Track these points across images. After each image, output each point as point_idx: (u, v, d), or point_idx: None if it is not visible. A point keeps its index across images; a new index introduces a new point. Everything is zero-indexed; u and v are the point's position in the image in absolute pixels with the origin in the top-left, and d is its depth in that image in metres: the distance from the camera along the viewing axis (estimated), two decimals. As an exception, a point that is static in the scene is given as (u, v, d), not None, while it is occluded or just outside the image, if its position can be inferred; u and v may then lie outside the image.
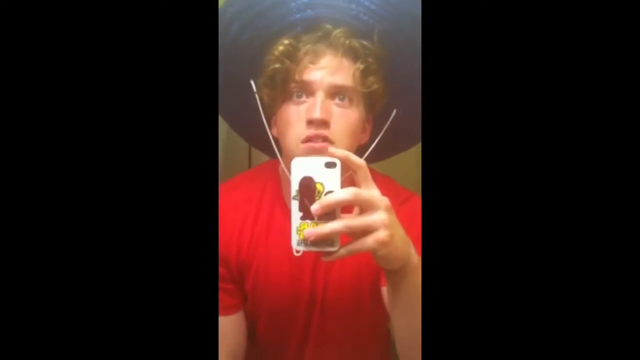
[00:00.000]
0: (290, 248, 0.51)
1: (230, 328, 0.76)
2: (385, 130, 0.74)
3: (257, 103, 0.72)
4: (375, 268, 0.72)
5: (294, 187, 0.49)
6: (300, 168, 0.49)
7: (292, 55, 0.66)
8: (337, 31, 0.66)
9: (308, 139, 0.64)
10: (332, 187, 0.49)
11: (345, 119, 0.66)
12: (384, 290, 0.65)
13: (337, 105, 0.66)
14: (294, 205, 0.49)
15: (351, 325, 0.78)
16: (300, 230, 0.49)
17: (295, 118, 0.66)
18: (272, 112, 0.72)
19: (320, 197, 0.48)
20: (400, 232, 0.51)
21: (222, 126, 1.33)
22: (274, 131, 0.73)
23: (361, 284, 0.75)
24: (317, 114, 0.63)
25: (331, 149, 0.49)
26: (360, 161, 0.49)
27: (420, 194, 0.65)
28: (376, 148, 0.73)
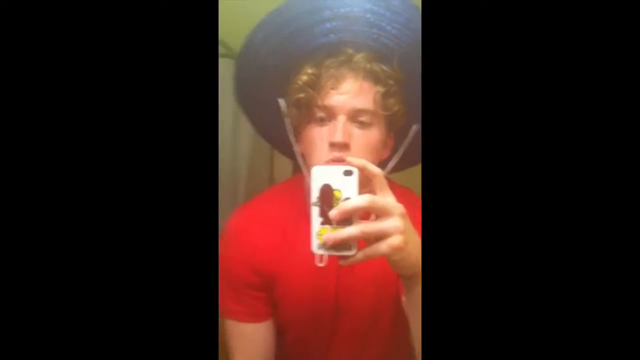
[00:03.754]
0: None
1: (260, 335, 0.79)
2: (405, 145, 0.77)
3: (285, 121, 0.76)
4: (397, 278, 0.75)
5: (314, 194, 0.53)
6: (320, 176, 0.52)
7: (314, 84, 0.70)
8: (358, 56, 0.70)
9: (330, 162, 0.67)
10: (349, 194, 0.52)
11: (365, 139, 0.69)
12: (404, 299, 0.68)
13: (358, 127, 0.69)
14: (314, 211, 0.53)
15: (372, 334, 0.81)
16: (320, 234, 0.52)
17: (318, 140, 0.69)
18: (298, 130, 0.76)
19: (338, 203, 0.51)
20: (414, 239, 0.53)
21: (245, 144, 1.38)
22: (301, 147, 0.77)
23: (380, 294, 0.77)
24: (338, 138, 0.66)
25: (349, 158, 0.52)
26: (376, 170, 0.52)
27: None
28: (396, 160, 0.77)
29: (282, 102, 0.76)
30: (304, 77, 0.71)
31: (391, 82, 0.71)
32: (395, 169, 0.80)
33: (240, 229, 0.80)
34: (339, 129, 0.67)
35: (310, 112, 0.71)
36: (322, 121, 0.70)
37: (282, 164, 1.48)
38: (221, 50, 1.43)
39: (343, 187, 0.52)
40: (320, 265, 0.72)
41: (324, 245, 0.53)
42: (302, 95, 0.71)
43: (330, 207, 0.52)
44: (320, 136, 0.69)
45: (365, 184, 0.53)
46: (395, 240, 0.50)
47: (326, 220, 0.52)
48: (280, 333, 0.83)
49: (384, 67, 0.70)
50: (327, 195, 0.52)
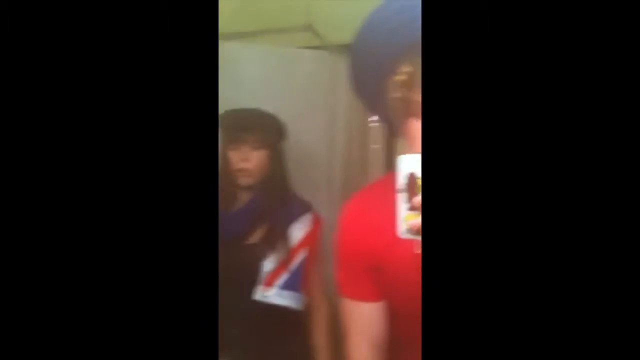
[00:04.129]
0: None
1: (375, 315, 0.83)
2: None
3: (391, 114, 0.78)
4: None
5: (401, 181, 0.54)
6: (406, 165, 0.54)
7: (410, 83, 0.71)
8: None
9: None
10: None
11: None
12: None
13: None
14: (401, 197, 0.54)
15: None
16: (406, 220, 0.54)
17: (415, 134, 0.71)
18: (401, 122, 0.77)
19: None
20: None
21: (341, 135, 1.43)
22: (406, 136, 0.77)
23: None
24: None
25: None
26: None
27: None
28: None
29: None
30: (400, 77, 0.72)
31: None
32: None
33: (352, 217, 0.84)
34: None
35: (409, 107, 0.72)
36: (419, 116, 0.70)
37: (376, 155, 1.53)
38: (315, 42, 1.46)
39: None
40: (418, 252, 0.72)
41: (409, 231, 0.54)
42: (399, 94, 0.72)
43: (415, 194, 0.52)
44: (417, 131, 0.70)
45: None
46: None
47: (411, 207, 0.53)
48: (389, 317, 0.85)
49: None
50: (412, 183, 0.53)
